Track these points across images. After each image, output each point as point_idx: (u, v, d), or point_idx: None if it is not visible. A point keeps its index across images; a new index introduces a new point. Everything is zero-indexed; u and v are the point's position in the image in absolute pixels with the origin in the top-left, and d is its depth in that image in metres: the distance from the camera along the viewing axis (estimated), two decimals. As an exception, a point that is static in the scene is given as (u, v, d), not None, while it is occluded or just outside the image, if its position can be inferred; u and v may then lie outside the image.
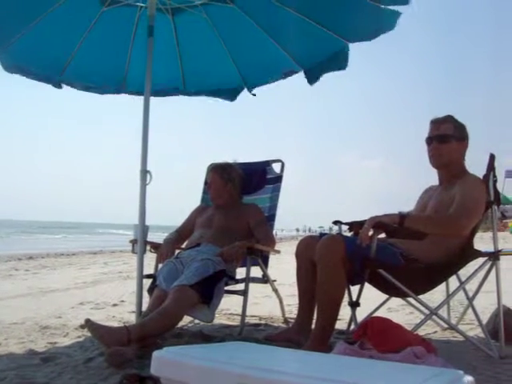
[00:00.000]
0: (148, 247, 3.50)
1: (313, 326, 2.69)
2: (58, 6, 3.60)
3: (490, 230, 2.94)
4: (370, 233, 2.45)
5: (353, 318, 2.62)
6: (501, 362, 2.51)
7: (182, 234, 3.71)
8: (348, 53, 3.64)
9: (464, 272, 2.83)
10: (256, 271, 3.49)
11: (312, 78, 3.90)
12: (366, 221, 2.49)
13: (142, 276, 3.32)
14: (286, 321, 3.73)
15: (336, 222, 3.11)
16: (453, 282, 3.01)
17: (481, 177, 2.73)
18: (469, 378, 1.34)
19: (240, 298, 3.24)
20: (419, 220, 2.65)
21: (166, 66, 4.18)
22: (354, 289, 2.65)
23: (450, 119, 2.82)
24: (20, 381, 2.19)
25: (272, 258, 3.80)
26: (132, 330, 2.60)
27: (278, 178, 3.94)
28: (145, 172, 3.40)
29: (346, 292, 2.66)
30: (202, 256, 3.13)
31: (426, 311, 2.67)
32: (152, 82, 3.54)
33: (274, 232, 3.84)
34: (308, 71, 3.92)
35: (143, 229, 3.37)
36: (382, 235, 2.61)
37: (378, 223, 2.45)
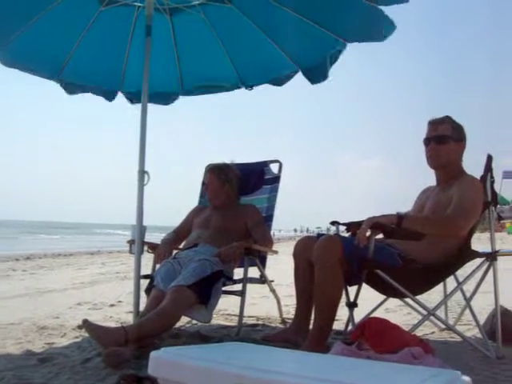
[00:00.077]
0: (145, 248, 3.50)
1: (310, 327, 2.69)
2: (57, 5, 3.60)
3: (487, 230, 2.94)
4: (368, 233, 2.45)
5: (350, 318, 2.62)
6: (498, 362, 2.52)
7: (179, 234, 3.71)
8: (343, 51, 3.64)
9: (461, 272, 2.83)
10: (254, 272, 3.49)
11: (314, 78, 3.90)
12: (363, 221, 2.49)
13: (139, 276, 3.31)
14: (283, 321, 3.73)
15: (334, 223, 3.10)
16: (450, 282, 3.01)
17: (478, 177, 2.74)
18: (466, 379, 1.34)
19: (237, 299, 3.23)
20: (417, 221, 2.65)
21: (164, 66, 4.18)
22: (352, 289, 2.65)
23: (447, 120, 2.82)
24: (17, 381, 2.19)
25: (270, 259, 3.80)
26: (129, 331, 2.59)
27: (276, 179, 3.94)
28: (142, 172, 3.40)
29: (344, 292, 2.66)
30: (199, 256, 3.12)
31: (424, 312, 2.67)
32: (150, 81, 3.54)
33: (271, 232, 3.84)
34: (307, 71, 3.92)
35: (141, 229, 3.37)
36: (380, 236, 2.61)
37: (376, 224, 2.45)
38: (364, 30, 3.47)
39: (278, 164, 3.98)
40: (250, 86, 4.27)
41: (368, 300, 3.00)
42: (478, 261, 2.75)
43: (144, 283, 3.27)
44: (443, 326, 3.22)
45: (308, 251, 2.72)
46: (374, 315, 2.89)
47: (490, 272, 2.74)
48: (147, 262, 3.60)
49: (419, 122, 3.13)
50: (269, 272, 3.68)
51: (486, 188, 2.69)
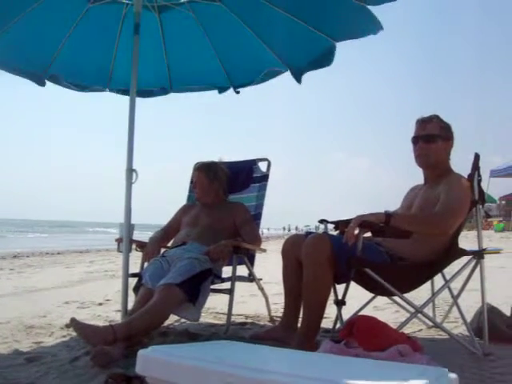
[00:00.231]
0: (134, 246, 3.48)
1: (299, 325, 2.69)
2: (44, 1, 3.56)
3: (474, 228, 2.96)
4: (356, 231, 2.45)
5: (339, 316, 2.63)
6: (485, 359, 2.53)
7: (167, 232, 3.69)
8: (334, 52, 3.65)
9: (449, 270, 2.85)
10: (242, 270, 3.49)
11: (299, 77, 3.92)
12: (352, 220, 2.49)
13: (127, 275, 3.30)
14: (272, 319, 3.74)
15: (322, 221, 3.11)
16: (438, 280, 3.03)
17: (466, 176, 2.76)
18: (453, 376, 1.35)
19: (226, 297, 3.23)
20: (405, 219, 2.66)
21: (152, 64, 4.17)
22: (340, 287, 2.66)
23: (435, 119, 2.83)
24: (4, 381, 2.17)
25: (258, 257, 3.80)
26: (117, 329, 2.58)
27: (265, 177, 3.94)
28: (130, 170, 3.38)
29: (332, 290, 2.66)
30: (188, 255, 3.11)
31: (412, 309, 2.68)
32: (138, 79, 3.52)
33: (260, 231, 3.84)
34: (295, 70, 3.93)
35: (129, 227, 3.36)
36: (368, 234, 2.62)
37: (364, 222, 2.45)
38: (353, 29, 3.48)
39: (266, 162, 3.98)
40: (237, 86, 4.26)
41: (356, 298, 3.01)
42: (465, 259, 2.77)
43: (132, 282, 3.26)
44: (431, 324, 3.24)
45: (297, 249, 2.73)
46: (362, 313, 2.90)
47: (477, 270, 2.76)
48: (135, 261, 3.59)
49: (409, 121, 3.14)
50: (257, 270, 3.68)
51: (473, 186, 2.70)
